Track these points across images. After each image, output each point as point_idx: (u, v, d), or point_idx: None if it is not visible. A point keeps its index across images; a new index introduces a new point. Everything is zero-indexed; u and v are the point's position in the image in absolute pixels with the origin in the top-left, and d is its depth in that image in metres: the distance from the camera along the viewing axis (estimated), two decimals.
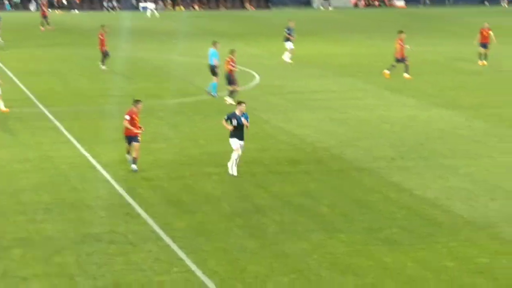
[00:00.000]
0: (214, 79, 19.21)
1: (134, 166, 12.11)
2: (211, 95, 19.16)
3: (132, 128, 12.07)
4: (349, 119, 17.00)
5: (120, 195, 11.05)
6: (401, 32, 22.32)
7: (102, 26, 25.30)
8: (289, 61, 25.85)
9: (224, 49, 20.59)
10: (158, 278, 7.94)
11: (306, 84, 22.25)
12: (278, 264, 8.34)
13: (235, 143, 12.11)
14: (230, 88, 18.30)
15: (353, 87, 21.59)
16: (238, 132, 12.12)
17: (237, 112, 12.23)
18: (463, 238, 9.07)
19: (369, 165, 12.94)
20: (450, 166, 12.76)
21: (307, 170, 12.34)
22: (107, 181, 12.00)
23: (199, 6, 54.05)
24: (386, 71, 21.97)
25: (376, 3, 56.13)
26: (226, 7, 54.53)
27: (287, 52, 26.16)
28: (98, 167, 13.07)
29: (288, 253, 8.67)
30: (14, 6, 54.10)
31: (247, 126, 12.11)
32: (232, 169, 12.11)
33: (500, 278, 7.71)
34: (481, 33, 24.61)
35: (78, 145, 14.61)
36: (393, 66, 21.98)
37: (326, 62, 26.34)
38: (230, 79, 18.33)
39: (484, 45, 24.48)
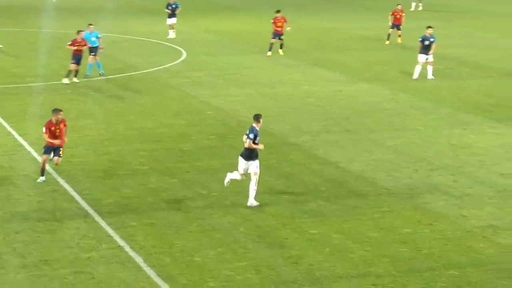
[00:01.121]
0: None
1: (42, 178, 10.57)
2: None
3: (52, 140, 10.63)
4: (276, 95, 17.08)
5: (47, 173, 10.73)
6: (278, 11, 22.41)
7: None
8: (173, 36, 24.88)
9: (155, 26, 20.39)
10: (86, 254, 7.98)
11: (234, 60, 22.04)
12: (205, 238, 8.40)
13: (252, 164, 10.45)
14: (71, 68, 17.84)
15: (281, 63, 21.50)
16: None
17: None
18: (387, 209, 9.25)
19: (295, 139, 13.07)
20: (375, 139, 13.06)
21: (234, 145, 12.05)
22: (34, 159, 11.64)
23: None
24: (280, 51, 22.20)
25: None
26: None
27: (172, 29, 25.12)
28: (25, 145, 12.81)
29: (215, 227, 8.72)
30: None
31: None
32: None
33: (422, 248, 7.91)
34: (394, 15, 25.02)
35: (5, 124, 14.14)
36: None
37: (253, 38, 26.02)
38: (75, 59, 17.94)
39: (397, 26, 24.82)
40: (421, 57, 18.66)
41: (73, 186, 10.07)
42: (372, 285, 7.02)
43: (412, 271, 7.32)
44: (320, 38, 25.82)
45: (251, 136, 10.03)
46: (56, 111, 10.95)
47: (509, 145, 13.12)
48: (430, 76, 18.75)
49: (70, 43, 17.83)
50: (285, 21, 21.92)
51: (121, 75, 19.71)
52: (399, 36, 24.44)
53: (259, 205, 9.89)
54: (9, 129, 13.56)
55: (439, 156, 12.07)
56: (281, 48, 21.76)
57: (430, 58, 18.65)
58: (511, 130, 14.13)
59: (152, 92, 17.43)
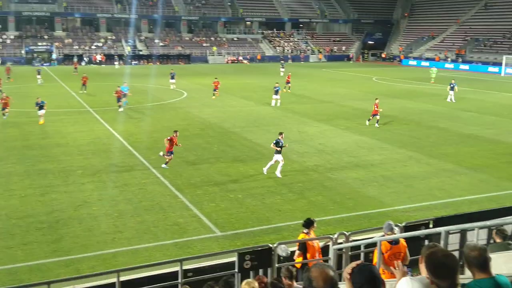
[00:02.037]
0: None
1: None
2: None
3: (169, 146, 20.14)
4: (226, 111, 33.47)
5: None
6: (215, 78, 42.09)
7: None
8: (174, 87, 44.27)
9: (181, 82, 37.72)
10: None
11: (208, 97, 39.63)
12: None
13: (278, 156, 18.87)
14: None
15: (226, 98, 39.12)
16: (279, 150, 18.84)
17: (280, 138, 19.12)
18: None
19: (233, 129, 27.82)
20: (267, 129, 29.48)
21: (207, 134, 28.56)
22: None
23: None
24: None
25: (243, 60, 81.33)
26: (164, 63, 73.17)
27: (173, 84, 44.39)
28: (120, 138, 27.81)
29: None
30: None
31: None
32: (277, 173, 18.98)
33: None
34: (288, 77, 44.34)
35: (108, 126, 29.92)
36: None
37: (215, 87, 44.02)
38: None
39: (287, 83, 43.70)
40: (273, 99, 35.72)
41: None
42: None
43: None
44: (243, 87, 45.15)
45: (274, 142, 18.85)
46: (175, 131, 20.42)
47: (323, 131, 28.79)
48: (275, 104, 36.47)
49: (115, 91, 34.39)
50: (218, 83, 39.44)
51: (155, 103, 36.74)
52: (289, 88, 42.58)
53: (280, 177, 18.41)
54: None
55: (293, 135, 27.50)
56: (214, 93, 39.32)
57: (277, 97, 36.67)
58: (326, 125, 29.57)
59: (171, 110, 33.89)
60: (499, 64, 64.90)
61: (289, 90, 42.65)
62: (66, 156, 21.82)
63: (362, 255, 8.85)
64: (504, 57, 64.74)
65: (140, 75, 56.51)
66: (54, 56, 72.70)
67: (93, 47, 77.48)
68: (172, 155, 20.07)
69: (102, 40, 79.67)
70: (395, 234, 8.52)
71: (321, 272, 2.83)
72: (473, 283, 3.70)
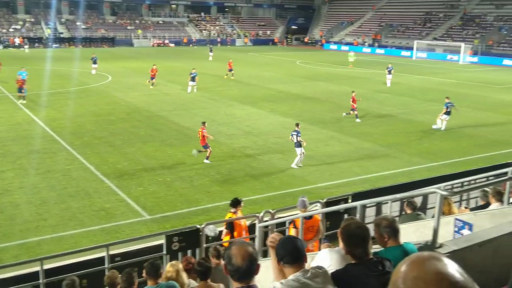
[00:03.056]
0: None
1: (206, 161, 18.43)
2: None
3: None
4: (152, 95, 32.86)
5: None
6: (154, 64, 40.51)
7: None
8: (95, 72, 41.76)
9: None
10: None
11: (134, 80, 38.51)
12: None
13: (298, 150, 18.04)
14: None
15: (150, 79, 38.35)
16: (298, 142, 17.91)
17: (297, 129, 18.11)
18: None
19: (160, 113, 27.54)
20: (196, 113, 29.43)
21: (132, 118, 27.94)
22: None
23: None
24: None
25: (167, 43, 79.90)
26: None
27: (94, 69, 41.99)
28: None
29: None
30: None
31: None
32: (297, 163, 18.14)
33: None
34: (229, 63, 42.52)
35: None
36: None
37: (142, 71, 42.75)
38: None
39: (230, 69, 42.00)
40: (190, 85, 35.74)
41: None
42: None
43: None
44: (170, 71, 44.47)
45: (294, 133, 17.86)
46: (203, 123, 18.77)
47: (250, 114, 29.29)
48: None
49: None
50: (156, 70, 35.98)
51: (79, 87, 35.14)
52: (232, 75, 41.37)
53: (296, 167, 17.74)
54: None
55: (221, 117, 27.76)
56: (151, 81, 36.80)
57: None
58: (252, 107, 29.95)
59: (96, 95, 32.51)
60: (411, 48, 68.29)
61: (232, 77, 40.62)
62: None
63: (286, 231, 9.09)
64: (415, 42, 68.18)
65: (62, 59, 53.71)
66: None
67: (10, 30, 72.39)
68: (208, 148, 18.51)
69: (21, 23, 74.64)
70: (307, 210, 8.82)
71: (240, 249, 2.87)
72: (384, 250, 3.92)
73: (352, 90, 28.04)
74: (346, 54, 56.61)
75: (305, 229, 8.53)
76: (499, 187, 8.12)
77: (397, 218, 7.88)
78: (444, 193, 4.80)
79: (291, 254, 3.13)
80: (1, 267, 8.57)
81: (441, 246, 4.21)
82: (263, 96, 33.31)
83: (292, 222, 8.67)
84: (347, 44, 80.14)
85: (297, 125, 18.33)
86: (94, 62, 42.01)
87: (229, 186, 16.00)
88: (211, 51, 58.89)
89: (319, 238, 8.76)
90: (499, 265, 4.16)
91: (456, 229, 6.70)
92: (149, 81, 35.84)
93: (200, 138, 18.55)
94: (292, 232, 8.75)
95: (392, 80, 39.24)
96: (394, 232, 4.01)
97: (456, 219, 6.73)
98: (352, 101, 26.30)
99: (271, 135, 22.85)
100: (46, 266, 7.63)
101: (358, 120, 26.25)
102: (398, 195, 7.40)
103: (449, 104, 24.63)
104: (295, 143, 17.87)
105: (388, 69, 39.07)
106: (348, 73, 48.11)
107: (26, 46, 65.68)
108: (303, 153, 18.02)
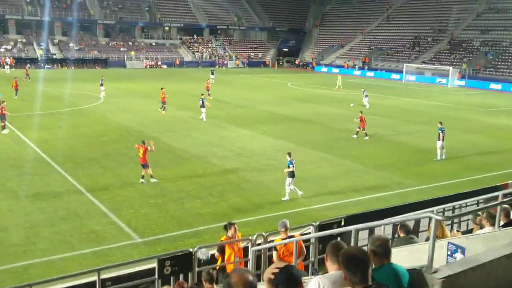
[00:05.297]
0: None
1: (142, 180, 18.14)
2: None
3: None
4: (142, 116, 32.76)
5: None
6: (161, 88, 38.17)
7: None
8: (103, 94, 41.01)
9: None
10: None
11: (126, 101, 38.42)
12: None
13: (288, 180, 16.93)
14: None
15: (146, 103, 38.28)
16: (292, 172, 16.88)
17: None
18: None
19: (148, 132, 27.89)
20: (184, 132, 29.38)
21: (124, 138, 27.79)
22: None
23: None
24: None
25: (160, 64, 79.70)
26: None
27: (103, 92, 41.37)
28: None
29: None
30: None
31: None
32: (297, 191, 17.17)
33: None
34: (207, 83, 43.22)
35: None
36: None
37: (137, 92, 42.84)
38: None
39: (207, 92, 42.21)
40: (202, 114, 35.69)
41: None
42: None
43: None
44: (174, 93, 43.83)
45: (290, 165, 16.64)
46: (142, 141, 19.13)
47: (242, 136, 28.28)
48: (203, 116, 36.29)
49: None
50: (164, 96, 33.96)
51: (71, 108, 34.97)
52: (209, 95, 40.97)
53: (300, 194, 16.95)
54: None
55: (214, 139, 27.55)
56: (163, 106, 37.91)
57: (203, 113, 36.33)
58: (244, 129, 29.72)
59: (88, 116, 32.44)
60: (401, 71, 69.12)
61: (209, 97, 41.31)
62: None
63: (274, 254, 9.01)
64: (405, 65, 69.06)
65: (53, 80, 53.57)
66: None
67: (1, 50, 72.38)
68: (149, 168, 18.62)
69: (12, 43, 74.66)
70: (287, 232, 8.79)
71: (240, 277, 2.83)
72: (374, 269, 3.92)
73: (360, 110, 28.48)
74: (336, 77, 57.09)
75: (285, 251, 8.49)
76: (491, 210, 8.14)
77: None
78: (439, 218, 4.80)
79: (287, 281, 3.09)
80: None
81: (436, 271, 4.19)
82: (255, 118, 33.39)
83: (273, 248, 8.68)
84: (337, 66, 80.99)
85: (289, 154, 17.24)
86: (101, 85, 40.78)
87: (221, 208, 15.90)
88: (212, 73, 55.33)
89: (302, 260, 8.76)
90: None
91: (449, 252, 6.68)
92: (161, 108, 34.32)
93: (141, 156, 18.26)
94: (274, 254, 8.72)
95: (373, 102, 39.90)
96: (387, 251, 4.12)
97: (449, 242, 6.72)
98: (360, 120, 27.01)
99: (263, 157, 22.85)
100: None
101: (366, 137, 27.25)
102: (393, 219, 7.38)
103: (443, 129, 23.88)
104: (291, 172, 16.84)
105: (364, 93, 40.25)
106: (337, 95, 48.51)
107: (7, 66, 64.29)
108: (290, 184, 16.94)
